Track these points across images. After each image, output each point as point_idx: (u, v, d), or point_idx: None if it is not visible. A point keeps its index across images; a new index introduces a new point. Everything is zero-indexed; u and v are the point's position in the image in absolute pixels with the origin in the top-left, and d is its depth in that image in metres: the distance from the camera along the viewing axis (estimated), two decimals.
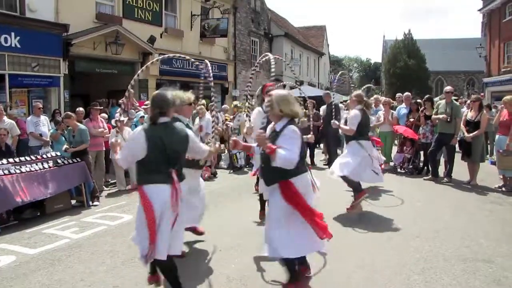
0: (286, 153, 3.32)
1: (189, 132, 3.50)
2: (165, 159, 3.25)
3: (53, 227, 6.17)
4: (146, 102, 10.62)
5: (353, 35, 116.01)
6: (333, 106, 9.67)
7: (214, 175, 10.18)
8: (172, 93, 3.48)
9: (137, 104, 10.60)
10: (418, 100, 10.35)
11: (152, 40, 14.51)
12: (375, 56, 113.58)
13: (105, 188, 8.82)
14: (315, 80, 34.94)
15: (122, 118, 8.74)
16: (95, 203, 7.56)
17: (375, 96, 11.60)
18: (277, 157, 3.30)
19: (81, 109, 8.66)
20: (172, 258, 3.37)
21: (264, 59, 5.00)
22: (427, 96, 9.88)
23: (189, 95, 4.49)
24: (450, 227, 5.62)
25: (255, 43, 23.78)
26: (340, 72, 8.55)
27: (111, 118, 9.91)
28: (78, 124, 7.67)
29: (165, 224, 3.23)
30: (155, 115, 3.33)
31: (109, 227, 6.07)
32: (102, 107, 9.87)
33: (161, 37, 15.33)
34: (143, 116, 9.44)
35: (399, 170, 9.79)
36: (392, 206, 6.74)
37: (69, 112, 7.91)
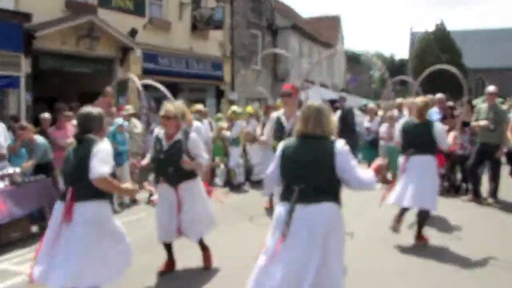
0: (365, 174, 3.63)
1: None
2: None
3: (6, 261, 6.03)
4: (127, 107, 10.57)
5: (373, 26, 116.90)
6: (345, 111, 9.66)
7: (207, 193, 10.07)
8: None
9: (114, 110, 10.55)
10: (451, 103, 10.30)
11: (133, 33, 14.54)
12: (401, 51, 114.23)
13: None
14: (328, 80, 34.99)
15: None
16: None
17: (399, 99, 11.56)
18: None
19: (46, 115, 8.61)
20: None
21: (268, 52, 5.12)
22: (465, 99, 9.79)
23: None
24: (502, 262, 5.48)
25: (256, 36, 23.87)
26: (378, 65, 8.53)
27: None
28: (36, 137, 7.60)
29: (46, 243, 3.77)
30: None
31: None
32: (72, 113, 9.82)
33: (144, 29, 15.37)
34: (122, 125, 9.38)
35: None
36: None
37: (23, 123, 7.85)
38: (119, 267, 3.96)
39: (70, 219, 3.68)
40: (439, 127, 6.13)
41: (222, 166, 11.69)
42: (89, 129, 3.91)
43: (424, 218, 6.16)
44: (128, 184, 4.08)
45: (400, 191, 6.01)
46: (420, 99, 6.41)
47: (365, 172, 3.56)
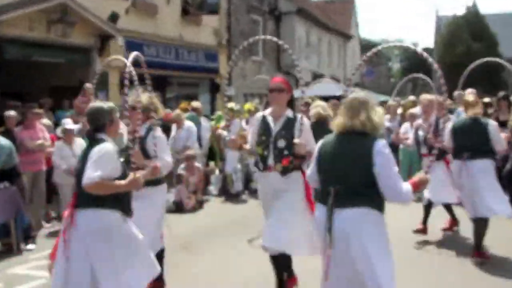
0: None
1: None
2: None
3: None
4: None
5: (392, 10, 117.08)
6: None
7: (200, 204, 10.13)
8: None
9: None
10: (487, 100, 10.28)
11: (114, 17, 14.54)
12: (425, 39, 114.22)
13: (46, 225, 8.74)
14: (340, 72, 35.04)
15: (72, 126, 8.74)
16: (30, 246, 7.46)
17: (423, 96, 11.54)
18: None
19: (12, 112, 8.60)
20: None
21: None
22: (501, 94, 9.80)
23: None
24: None
25: (257, 23, 23.93)
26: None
27: (58, 126, 9.83)
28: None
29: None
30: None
31: (49, 281, 5.96)
32: (42, 110, 9.79)
33: (126, 13, 15.38)
34: None
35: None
36: (457, 255, 6.64)
37: None
38: (140, 280, 4.11)
39: (74, 225, 3.90)
40: (493, 126, 6.28)
41: (217, 171, 11.69)
42: (100, 126, 4.06)
43: (483, 228, 6.29)
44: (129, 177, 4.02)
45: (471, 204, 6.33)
46: (470, 95, 6.51)
47: (404, 185, 3.62)
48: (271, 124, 4.90)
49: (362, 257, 3.51)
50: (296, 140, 4.62)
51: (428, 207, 7.42)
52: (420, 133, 7.25)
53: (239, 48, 5.61)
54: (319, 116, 7.21)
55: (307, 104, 11.06)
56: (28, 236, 7.54)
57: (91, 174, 3.75)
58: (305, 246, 4.64)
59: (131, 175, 3.95)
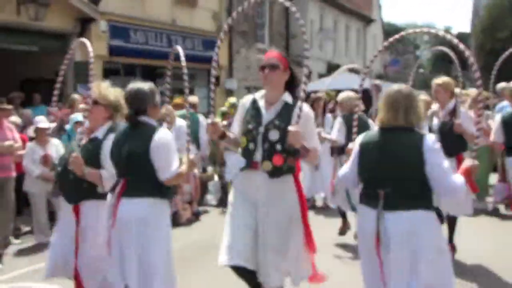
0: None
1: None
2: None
3: None
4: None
5: None
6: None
7: (196, 216, 10.17)
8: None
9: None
10: None
11: None
12: (460, 23, 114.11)
13: (14, 241, 8.77)
14: (359, 62, 34.99)
15: (46, 125, 8.73)
16: None
17: (457, 90, 11.58)
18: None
19: None
20: None
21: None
22: None
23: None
24: None
25: (262, 4, 23.93)
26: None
27: (30, 124, 9.83)
28: None
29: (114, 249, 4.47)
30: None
31: None
32: (11, 106, 9.80)
33: None
34: (80, 122, 9.37)
35: (502, 210, 9.84)
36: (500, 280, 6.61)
37: None
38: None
39: (116, 214, 4.35)
40: None
41: (216, 178, 11.67)
42: (142, 109, 4.45)
43: None
44: (184, 162, 4.53)
45: None
46: None
47: (457, 178, 3.92)
48: (263, 110, 4.51)
49: (424, 260, 3.83)
50: (290, 127, 4.16)
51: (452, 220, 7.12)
52: (435, 121, 7.13)
53: (235, 15, 5.38)
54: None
55: (318, 99, 11.09)
56: None
57: (173, 167, 4.34)
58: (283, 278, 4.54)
59: (185, 159, 4.53)
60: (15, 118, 9.50)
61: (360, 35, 36.20)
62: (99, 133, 4.77)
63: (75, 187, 4.68)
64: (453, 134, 6.39)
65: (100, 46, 14.85)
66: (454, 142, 6.25)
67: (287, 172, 4.40)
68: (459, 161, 6.49)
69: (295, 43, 25.02)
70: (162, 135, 4.37)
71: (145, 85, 4.56)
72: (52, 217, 8.85)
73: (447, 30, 72.10)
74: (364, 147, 4.11)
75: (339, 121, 7.98)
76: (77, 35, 14.12)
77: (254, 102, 4.61)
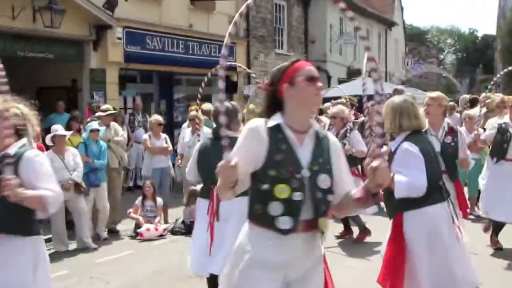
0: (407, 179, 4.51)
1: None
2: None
3: None
4: (104, 107, 10.64)
5: None
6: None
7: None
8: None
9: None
10: None
11: (111, 4, 14.64)
12: (485, 25, 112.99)
13: None
14: (381, 66, 34.85)
15: (64, 132, 8.80)
16: None
17: (484, 94, 11.47)
18: (396, 186, 4.48)
19: None
20: None
21: None
22: None
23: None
24: None
25: (281, 8, 23.90)
26: None
27: (47, 133, 9.88)
28: None
29: (200, 240, 5.57)
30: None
31: None
32: None
33: (126, 0, 15.47)
34: (98, 130, 9.44)
35: None
36: None
37: None
38: None
39: (217, 217, 5.37)
40: None
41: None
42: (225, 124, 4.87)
43: None
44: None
45: None
46: None
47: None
48: (295, 143, 3.13)
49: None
50: (375, 163, 2.82)
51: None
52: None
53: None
54: None
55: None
56: None
57: None
58: None
59: None
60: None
61: (381, 39, 36.01)
62: (11, 150, 3.81)
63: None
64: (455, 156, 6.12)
65: (116, 53, 14.90)
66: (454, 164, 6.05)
67: None
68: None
69: (314, 48, 25.00)
70: None
71: (229, 104, 5.81)
72: (69, 226, 8.98)
73: (473, 32, 71.55)
74: (423, 150, 4.67)
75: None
76: (92, 42, 14.24)
77: (279, 130, 3.14)
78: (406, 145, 4.59)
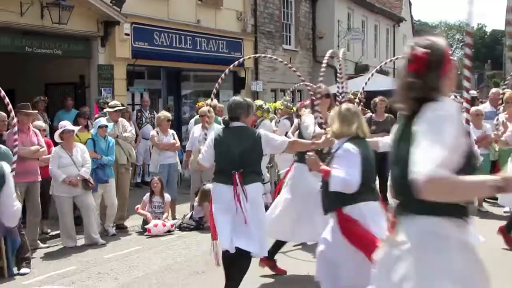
0: (342, 175, 4.82)
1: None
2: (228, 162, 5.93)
3: None
4: (112, 103, 10.68)
5: None
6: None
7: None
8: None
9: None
10: None
11: (119, 1, 14.66)
12: (494, 20, 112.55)
13: (41, 245, 8.83)
14: (388, 63, 34.70)
15: (72, 127, 8.84)
16: (24, 270, 7.50)
17: (494, 89, 11.42)
18: (332, 180, 4.86)
19: (1, 114, 8.72)
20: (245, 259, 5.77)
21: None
22: None
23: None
24: None
25: (289, 4, 23.93)
26: None
27: (54, 129, 9.93)
28: None
29: (225, 220, 5.82)
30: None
31: None
32: (36, 111, 9.92)
33: None
34: (106, 126, 9.50)
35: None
36: None
37: None
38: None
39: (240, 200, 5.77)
40: None
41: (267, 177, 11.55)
42: (235, 117, 5.98)
43: None
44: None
45: None
46: None
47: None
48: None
49: None
50: None
51: None
52: None
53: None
54: None
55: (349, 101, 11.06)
56: (22, 258, 7.56)
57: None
58: None
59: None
60: (39, 123, 9.62)
61: (389, 35, 35.89)
62: None
63: None
64: None
65: (124, 49, 14.96)
66: None
67: None
68: None
69: (321, 44, 24.91)
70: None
71: (241, 98, 6.16)
72: (78, 221, 9.04)
73: (482, 27, 71.33)
74: None
75: None
76: (100, 38, 14.28)
77: None
78: (347, 146, 4.98)
